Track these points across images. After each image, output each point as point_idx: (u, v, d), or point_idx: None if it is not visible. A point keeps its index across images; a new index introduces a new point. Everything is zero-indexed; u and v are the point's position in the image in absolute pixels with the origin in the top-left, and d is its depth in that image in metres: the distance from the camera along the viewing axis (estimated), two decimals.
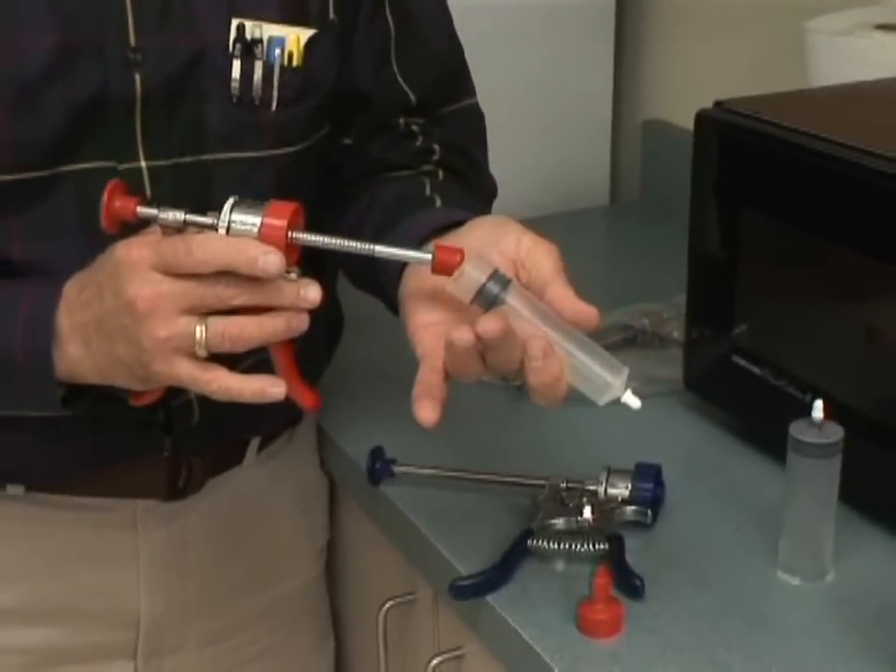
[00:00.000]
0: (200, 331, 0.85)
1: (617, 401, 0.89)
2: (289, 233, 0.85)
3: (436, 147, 1.16)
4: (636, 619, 0.99)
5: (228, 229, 0.85)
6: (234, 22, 1.01)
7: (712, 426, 1.26)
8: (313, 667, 1.33)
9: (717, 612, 1.00)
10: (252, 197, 0.87)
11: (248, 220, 0.85)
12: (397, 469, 1.17)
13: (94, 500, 1.12)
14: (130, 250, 0.86)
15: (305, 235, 0.86)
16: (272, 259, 0.83)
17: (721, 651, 0.96)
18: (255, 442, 1.20)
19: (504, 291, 0.87)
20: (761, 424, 1.21)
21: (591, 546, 1.05)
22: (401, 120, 1.16)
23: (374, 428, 1.23)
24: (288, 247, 0.85)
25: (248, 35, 1.01)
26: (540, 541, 1.05)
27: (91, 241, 0.94)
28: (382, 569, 1.25)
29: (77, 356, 0.91)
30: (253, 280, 0.84)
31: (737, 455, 1.21)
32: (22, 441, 1.05)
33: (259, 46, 1.01)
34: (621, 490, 1.09)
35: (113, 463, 1.09)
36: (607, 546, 1.05)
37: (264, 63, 1.02)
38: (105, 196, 0.87)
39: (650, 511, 1.09)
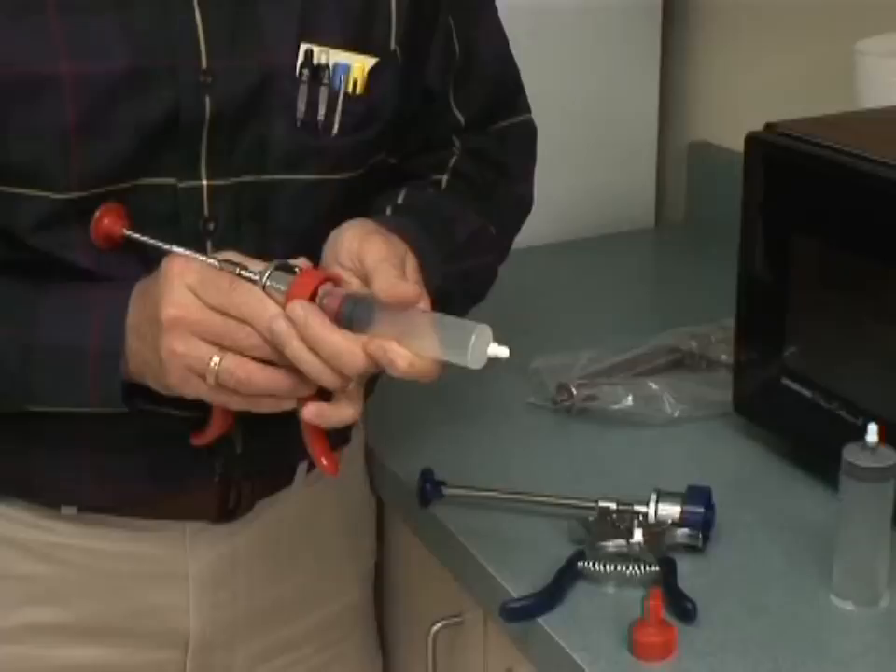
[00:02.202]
0: (214, 363, 0.90)
1: (488, 360, 0.86)
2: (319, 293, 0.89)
3: (455, 152, 1.17)
4: (688, 643, 0.98)
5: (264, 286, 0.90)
6: (302, 47, 1.01)
7: (761, 449, 1.26)
8: None
9: (770, 637, 0.99)
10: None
11: (282, 282, 0.89)
12: (447, 490, 1.17)
13: (145, 521, 1.12)
14: (174, 264, 0.91)
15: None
16: (280, 325, 0.88)
17: None
18: (303, 465, 1.21)
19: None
20: (811, 447, 1.20)
21: (642, 569, 1.05)
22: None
23: (423, 450, 1.24)
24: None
25: (315, 61, 1.02)
26: (591, 564, 1.05)
27: (145, 253, 0.97)
28: (431, 591, 1.25)
29: (126, 354, 0.96)
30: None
31: (787, 479, 1.21)
32: (77, 465, 1.06)
33: (326, 71, 1.02)
34: (671, 513, 1.09)
35: (164, 488, 1.10)
36: (658, 569, 1.04)
37: (329, 88, 1.03)
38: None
39: (700, 535, 1.08)
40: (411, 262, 0.95)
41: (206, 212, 1.02)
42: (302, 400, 0.91)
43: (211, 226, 1.02)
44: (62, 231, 1.00)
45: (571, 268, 1.75)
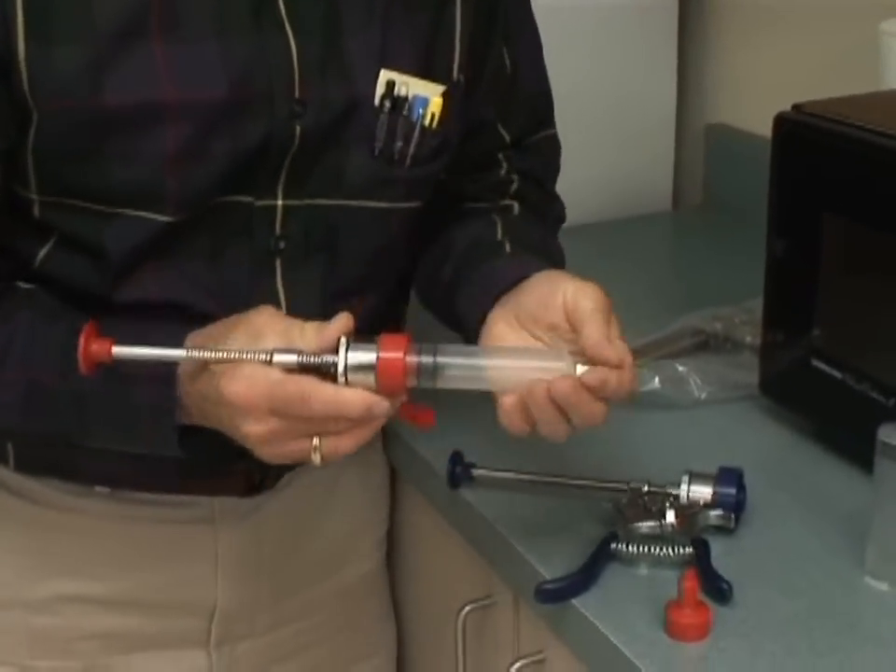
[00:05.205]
0: (315, 445, 0.92)
1: None
2: (406, 360, 0.92)
3: (514, 177, 1.20)
4: (723, 623, 0.98)
5: (346, 374, 0.91)
6: (383, 77, 1.03)
7: (788, 430, 1.25)
8: (376, 647, 1.35)
9: (806, 617, 0.99)
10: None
11: (364, 358, 0.91)
12: (476, 472, 1.16)
13: (175, 497, 1.15)
14: (239, 394, 0.91)
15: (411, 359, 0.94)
16: (383, 407, 0.92)
17: (812, 658, 0.95)
18: None
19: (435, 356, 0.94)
20: (840, 428, 1.20)
21: (675, 550, 1.04)
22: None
23: (452, 433, 1.23)
24: (406, 374, 0.93)
25: (396, 92, 1.03)
26: (624, 545, 1.05)
27: (215, 267, 1.00)
28: (460, 573, 1.25)
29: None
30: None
31: (816, 460, 1.20)
32: (113, 454, 1.07)
33: (406, 104, 1.04)
34: (703, 494, 1.09)
35: (197, 475, 1.12)
36: (691, 550, 1.04)
37: (407, 120, 1.04)
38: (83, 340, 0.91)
39: (732, 516, 1.08)
40: (615, 318, 0.97)
41: (278, 230, 1.04)
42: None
43: (282, 244, 1.04)
44: (148, 250, 1.01)
45: (589, 251, 1.73)
